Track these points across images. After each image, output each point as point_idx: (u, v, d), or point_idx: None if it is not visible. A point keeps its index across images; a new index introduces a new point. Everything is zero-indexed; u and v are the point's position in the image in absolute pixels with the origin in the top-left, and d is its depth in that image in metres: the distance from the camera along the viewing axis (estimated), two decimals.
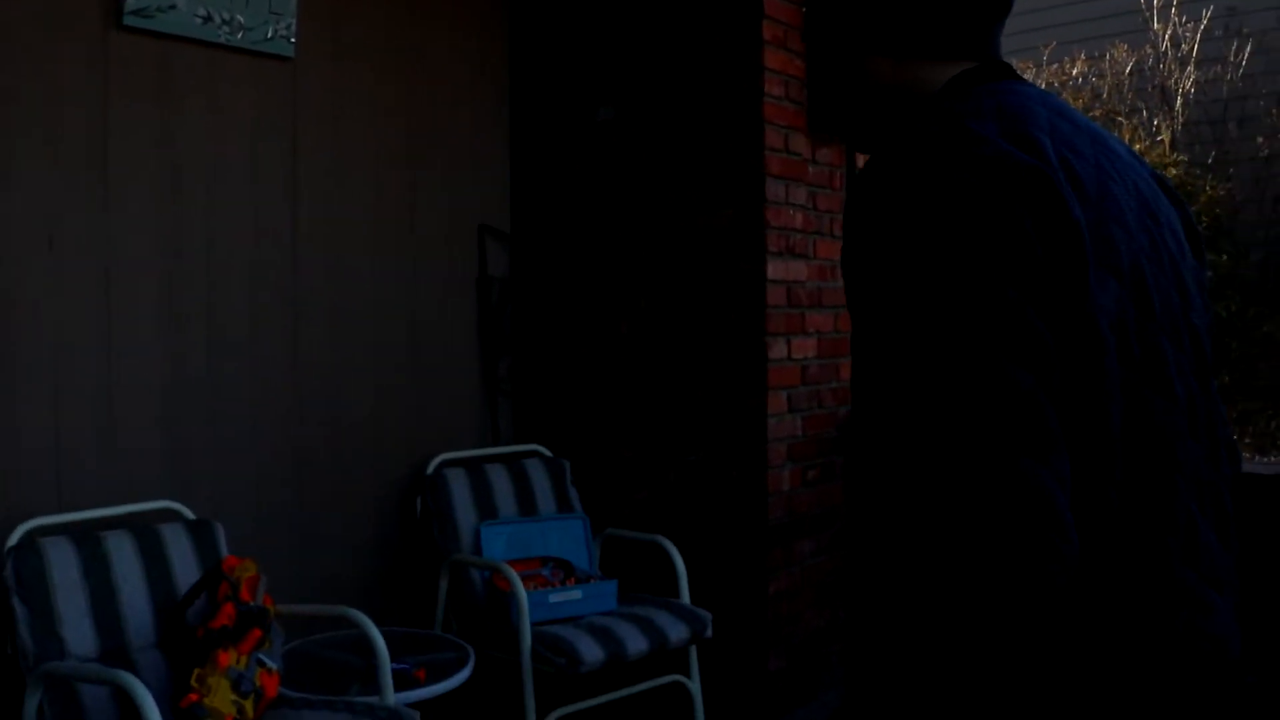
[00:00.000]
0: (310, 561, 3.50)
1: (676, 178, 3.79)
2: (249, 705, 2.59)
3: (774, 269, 3.60)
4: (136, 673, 2.77)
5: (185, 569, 2.99)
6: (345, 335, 3.61)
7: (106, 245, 3.08)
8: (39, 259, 2.95)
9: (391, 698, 2.86)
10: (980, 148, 1.06)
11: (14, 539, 2.78)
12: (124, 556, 2.89)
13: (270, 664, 2.75)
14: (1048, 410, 1.00)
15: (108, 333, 3.08)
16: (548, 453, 3.99)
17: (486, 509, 3.70)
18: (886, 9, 1.23)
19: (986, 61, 1.24)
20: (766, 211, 3.57)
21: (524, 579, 3.35)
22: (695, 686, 3.51)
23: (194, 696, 2.52)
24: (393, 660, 2.90)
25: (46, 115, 2.95)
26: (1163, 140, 7.44)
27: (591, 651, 3.18)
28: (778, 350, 3.61)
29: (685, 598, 3.54)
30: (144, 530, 2.97)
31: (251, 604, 2.86)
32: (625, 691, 3.45)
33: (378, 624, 3.58)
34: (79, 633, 2.74)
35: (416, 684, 3.04)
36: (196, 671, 2.59)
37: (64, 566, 2.77)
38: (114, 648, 2.79)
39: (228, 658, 2.63)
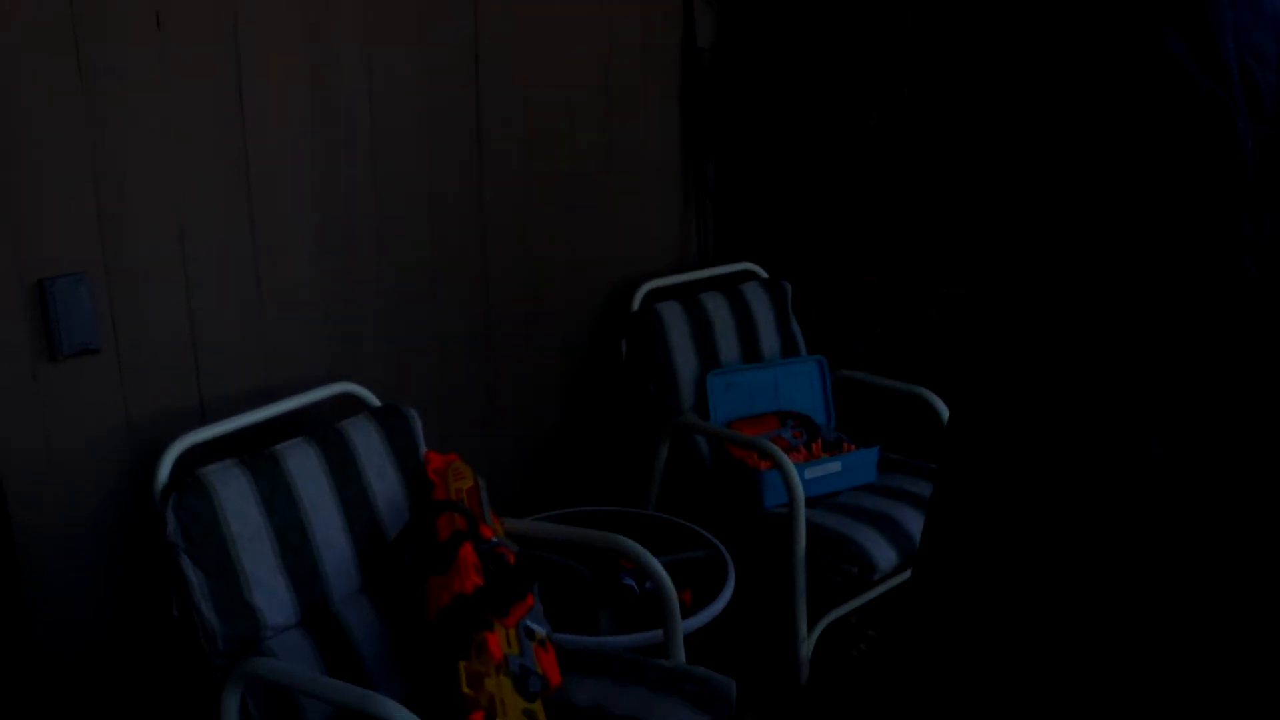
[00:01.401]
0: (491, 425, 2.74)
1: None
2: (540, 710, 1.89)
3: None
4: (348, 635, 2.07)
5: (382, 480, 2.21)
6: (533, 117, 2.67)
7: (232, 22, 2.09)
8: (145, 45, 1.97)
9: (681, 654, 2.19)
10: (1169, 71, 1.08)
11: (163, 472, 1.96)
12: (309, 477, 2.09)
13: (539, 631, 2.03)
14: None
15: (241, 145, 2.14)
16: (763, 273, 3.17)
17: (707, 353, 2.91)
18: None
19: None
20: None
21: None
22: None
23: (478, 717, 1.80)
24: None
25: None
26: None
27: (885, 555, 2.52)
28: None
29: None
30: (326, 434, 2.17)
31: (494, 541, 2.11)
32: (889, 585, 2.82)
33: (579, 503, 2.88)
34: (273, 596, 1.98)
35: (681, 608, 2.37)
36: (463, 667, 1.86)
37: (240, 505, 1.97)
38: (314, 607, 2.05)
39: (499, 642, 1.90)
